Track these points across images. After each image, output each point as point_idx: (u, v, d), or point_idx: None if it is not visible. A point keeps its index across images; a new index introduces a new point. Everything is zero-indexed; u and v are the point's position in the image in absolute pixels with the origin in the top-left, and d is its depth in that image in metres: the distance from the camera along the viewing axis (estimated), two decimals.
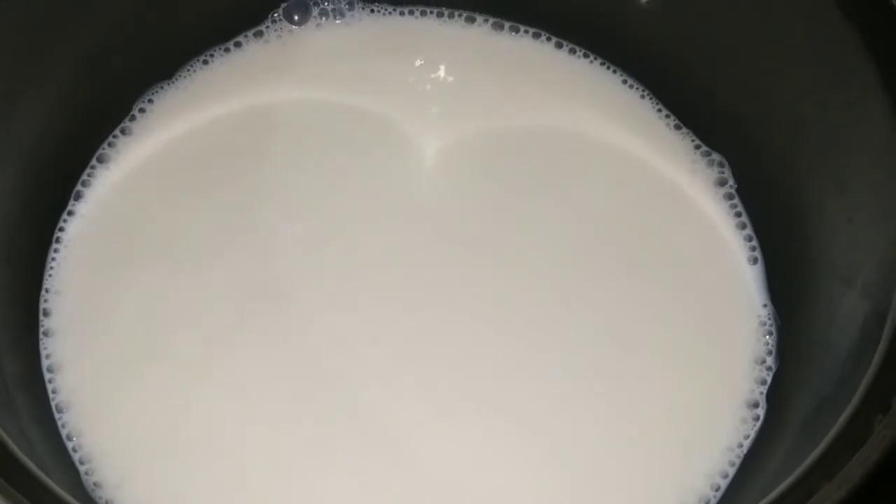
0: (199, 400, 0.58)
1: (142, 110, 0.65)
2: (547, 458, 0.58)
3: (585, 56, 0.68)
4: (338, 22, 0.68)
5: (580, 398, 0.59)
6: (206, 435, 0.57)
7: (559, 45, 0.68)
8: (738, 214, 0.64)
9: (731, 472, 0.57)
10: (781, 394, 0.58)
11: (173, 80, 0.66)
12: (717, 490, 0.57)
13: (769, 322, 0.61)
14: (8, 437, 0.47)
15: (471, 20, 0.68)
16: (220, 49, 0.67)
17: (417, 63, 0.68)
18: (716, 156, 0.65)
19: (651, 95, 0.67)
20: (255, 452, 0.57)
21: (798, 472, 0.44)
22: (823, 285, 0.57)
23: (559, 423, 0.59)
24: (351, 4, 0.68)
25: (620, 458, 0.58)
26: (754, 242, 0.63)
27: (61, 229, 0.62)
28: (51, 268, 0.62)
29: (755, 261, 0.63)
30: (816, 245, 0.58)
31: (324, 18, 0.68)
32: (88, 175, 0.64)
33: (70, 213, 0.63)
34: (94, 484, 0.56)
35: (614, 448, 0.58)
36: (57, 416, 0.58)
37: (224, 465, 0.56)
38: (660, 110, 0.67)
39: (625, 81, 0.67)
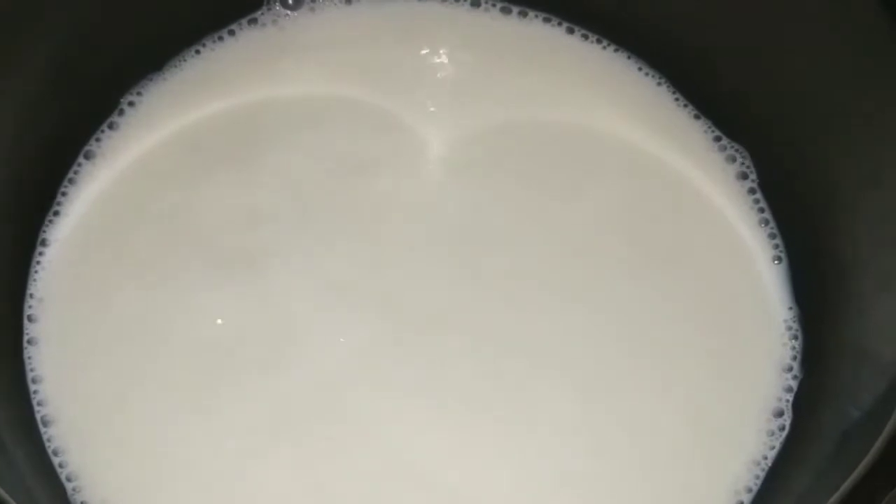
0: (191, 415, 0.55)
1: (131, 104, 0.63)
2: (562, 469, 0.56)
3: (598, 42, 0.65)
4: (337, 7, 0.65)
5: (595, 409, 0.57)
6: (198, 454, 0.55)
7: (570, 31, 0.65)
8: (761, 210, 0.61)
9: (756, 486, 0.55)
10: (809, 403, 0.56)
11: (163, 71, 0.63)
12: None
13: (795, 326, 0.58)
14: None
15: (476, 4, 0.66)
16: (212, 37, 0.64)
17: (422, 51, 0.65)
18: (737, 148, 0.63)
19: (668, 83, 0.64)
20: (247, 473, 0.55)
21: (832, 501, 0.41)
22: (855, 287, 0.55)
23: (575, 433, 0.56)
24: None
25: (639, 471, 0.56)
26: (778, 240, 0.61)
27: (46, 231, 0.60)
28: (35, 272, 0.59)
29: (779, 260, 0.60)
30: (847, 244, 0.56)
31: (322, 2, 0.65)
32: (75, 173, 0.61)
33: (56, 214, 0.60)
34: (83, 503, 0.54)
35: (632, 460, 0.56)
36: (42, 430, 0.55)
37: (220, 486, 0.54)
38: (677, 99, 0.64)
39: (640, 69, 0.65)
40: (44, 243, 0.59)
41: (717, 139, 0.63)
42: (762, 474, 0.55)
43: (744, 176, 0.62)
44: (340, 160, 0.62)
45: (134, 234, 0.60)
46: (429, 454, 0.56)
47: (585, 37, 0.65)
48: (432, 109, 0.64)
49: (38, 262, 0.59)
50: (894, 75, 0.51)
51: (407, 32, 0.65)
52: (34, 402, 0.56)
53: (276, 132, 0.63)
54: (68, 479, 0.54)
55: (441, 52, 0.65)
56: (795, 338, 0.58)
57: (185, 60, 0.64)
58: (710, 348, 0.58)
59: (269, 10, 0.65)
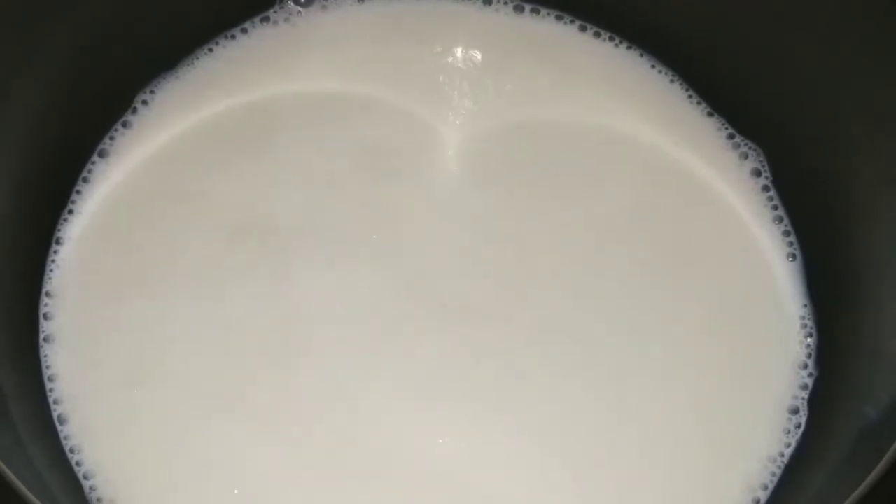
0: (205, 412, 0.55)
1: (144, 103, 0.63)
2: (575, 467, 0.56)
3: (611, 39, 0.65)
4: (349, 5, 0.65)
5: (609, 407, 0.57)
6: (212, 452, 0.55)
7: (583, 28, 0.65)
8: (775, 208, 0.61)
9: (772, 483, 0.54)
10: (825, 401, 0.56)
11: (176, 69, 0.63)
12: (756, 503, 0.54)
13: (809, 324, 0.58)
14: None
15: (488, 2, 0.65)
16: (225, 35, 0.64)
17: (434, 49, 0.65)
18: (751, 145, 0.62)
19: (681, 80, 0.64)
20: (261, 471, 0.55)
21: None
22: (870, 284, 0.54)
23: (588, 433, 0.56)
24: None
25: (654, 469, 0.56)
26: (792, 238, 0.60)
27: (61, 229, 0.60)
28: (50, 270, 0.59)
29: (793, 257, 0.60)
30: (862, 240, 0.56)
31: (334, 0, 0.65)
32: (89, 172, 0.61)
33: (70, 212, 0.60)
34: (98, 500, 0.54)
35: (647, 458, 0.56)
36: (59, 428, 0.55)
37: (234, 484, 0.54)
38: (690, 96, 0.64)
39: (653, 66, 0.64)
40: (58, 241, 0.59)
41: (731, 136, 0.63)
42: (778, 471, 0.55)
43: (757, 173, 0.62)
44: (353, 157, 0.62)
45: (148, 232, 0.60)
46: (442, 453, 0.56)
47: (598, 34, 0.65)
48: (444, 107, 0.64)
49: (52, 261, 0.59)
50: None
51: (419, 30, 0.65)
52: (50, 401, 0.56)
53: (290, 130, 0.63)
54: (85, 478, 0.54)
55: (453, 50, 0.65)
56: (810, 335, 0.58)
57: (198, 59, 0.63)
58: (725, 346, 0.58)
59: (281, 7, 0.65)
